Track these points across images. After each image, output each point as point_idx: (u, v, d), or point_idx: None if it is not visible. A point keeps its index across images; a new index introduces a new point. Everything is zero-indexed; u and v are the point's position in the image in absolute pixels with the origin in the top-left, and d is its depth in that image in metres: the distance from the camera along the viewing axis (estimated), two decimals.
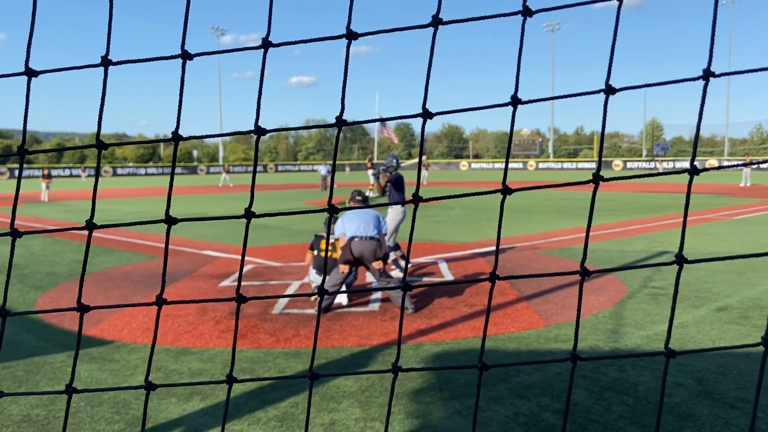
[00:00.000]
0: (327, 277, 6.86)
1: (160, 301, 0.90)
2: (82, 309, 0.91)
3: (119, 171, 65.51)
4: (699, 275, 7.91)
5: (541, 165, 70.93)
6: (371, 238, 6.47)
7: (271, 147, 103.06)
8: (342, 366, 4.89)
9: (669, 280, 7.67)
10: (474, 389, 4.32)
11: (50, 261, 9.81)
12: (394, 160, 8.86)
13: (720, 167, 0.91)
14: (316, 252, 7.21)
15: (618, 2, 0.82)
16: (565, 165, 70.66)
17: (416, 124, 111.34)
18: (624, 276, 8.04)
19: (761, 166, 55.71)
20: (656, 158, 69.30)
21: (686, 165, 60.87)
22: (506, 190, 0.86)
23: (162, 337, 5.63)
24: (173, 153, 0.84)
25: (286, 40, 1.01)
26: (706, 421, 3.75)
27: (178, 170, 68.03)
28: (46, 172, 26.59)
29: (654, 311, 6.27)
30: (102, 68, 0.86)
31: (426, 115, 0.86)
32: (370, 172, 19.31)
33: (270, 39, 0.97)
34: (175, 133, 0.85)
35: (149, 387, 0.91)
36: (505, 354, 5.09)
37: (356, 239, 6.49)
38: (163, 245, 11.51)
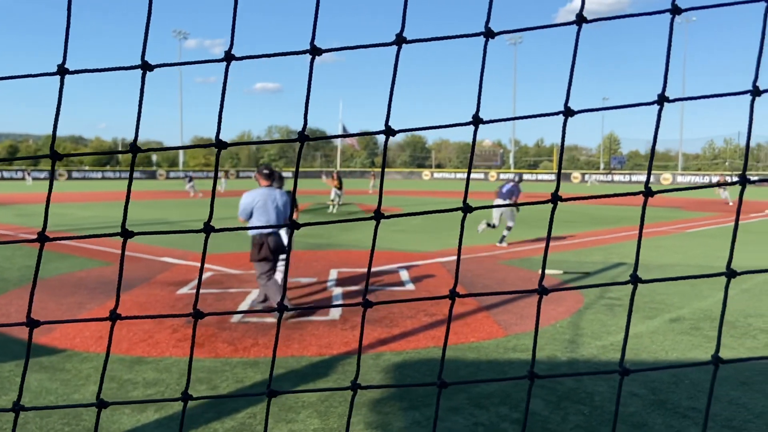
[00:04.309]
0: (269, 291, 6.66)
1: (114, 316, 0.87)
2: (32, 324, 0.87)
3: (75, 174, 63.66)
4: (653, 287, 8.12)
5: (502, 176, 71.93)
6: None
7: (232, 153, 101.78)
8: (302, 376, 4.84)
9: (625, 291, 7.86)
10: (432, 399, 4.33)
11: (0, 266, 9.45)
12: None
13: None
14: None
15: (577, 26, 0.84)
16: (525, 176, 71.86)
17: (379, 135, 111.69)
18: (581, 285, 8.20)
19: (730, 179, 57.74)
20: (613, 171, 71.10)
21: (642, 178, 62.51)
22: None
23: (116, 345, 5.48)
24: (131, 165, 0.82)
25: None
26: (659, 430, 3.84)
27: (136, 174, 66.54)
28: None
29: (610, 322, 6.40)
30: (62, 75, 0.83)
31: (389, 132, 0.86)
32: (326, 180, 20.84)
33: (234, 48, 0.95)
34: (133, 144, 0.83)
35: (101, 405, 0.88)
36: (465, 364, 5.12)
37: (273, 235, 6.41)
38: (119, 251, 11.22)
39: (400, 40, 0.78)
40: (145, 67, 0.83)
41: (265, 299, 6.92)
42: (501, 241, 12.60)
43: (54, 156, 0.82)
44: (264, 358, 5.23)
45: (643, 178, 62.79)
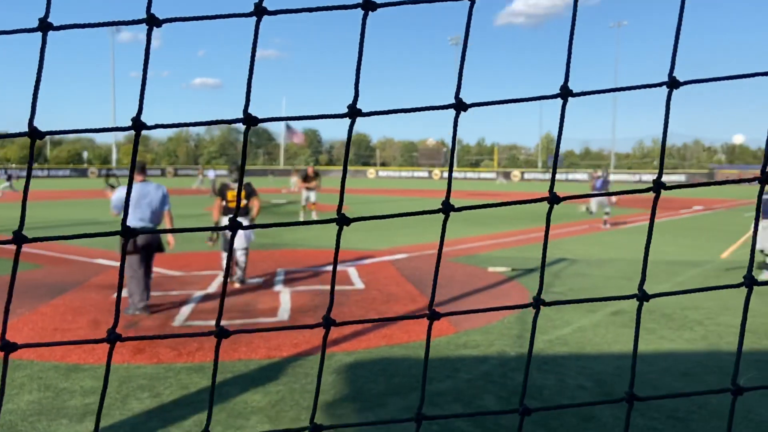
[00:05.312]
0: (130, 286, 6.49)
1: (114, 337, 0.76)
2: (7, 348, 0.75)
3: None
4: (594, 282, 8.37)
5: (445, 174, 72.78)
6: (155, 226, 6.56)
7: (170, 150, 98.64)
8: (250, 380, 4.69)
9: (568, 285, 8.05)
10: (386, 399, 4.28)
11: None
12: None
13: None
14: (224, 203, 7.80)
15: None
16: (469, 174, 72.96)
17: (323, 130, 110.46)
18: (526, 282, 8.36)
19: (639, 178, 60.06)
20: (551, 170, 72.99)
21: (579, 177, 64.36)
22: (554, 199, 0.83)
23: (50, 352, 5.18)
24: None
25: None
26: (607, 422, 3.93)
27: (66, 172, 63.74)
28: None
29: (555, 316, 6.53)
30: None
31: (459, 106, 0.80)
32: (293, 179, 19.64)
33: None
34: (137, 119, 0.72)
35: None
36: (417, 362, 5.10)
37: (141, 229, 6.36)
38: (47, 252, 10.64)
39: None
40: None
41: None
42: (605, 224, 16.33)
43: (33, 134, 0.69)
44: (209, 362, 5.06)
45: (579, 176, 64.80)
